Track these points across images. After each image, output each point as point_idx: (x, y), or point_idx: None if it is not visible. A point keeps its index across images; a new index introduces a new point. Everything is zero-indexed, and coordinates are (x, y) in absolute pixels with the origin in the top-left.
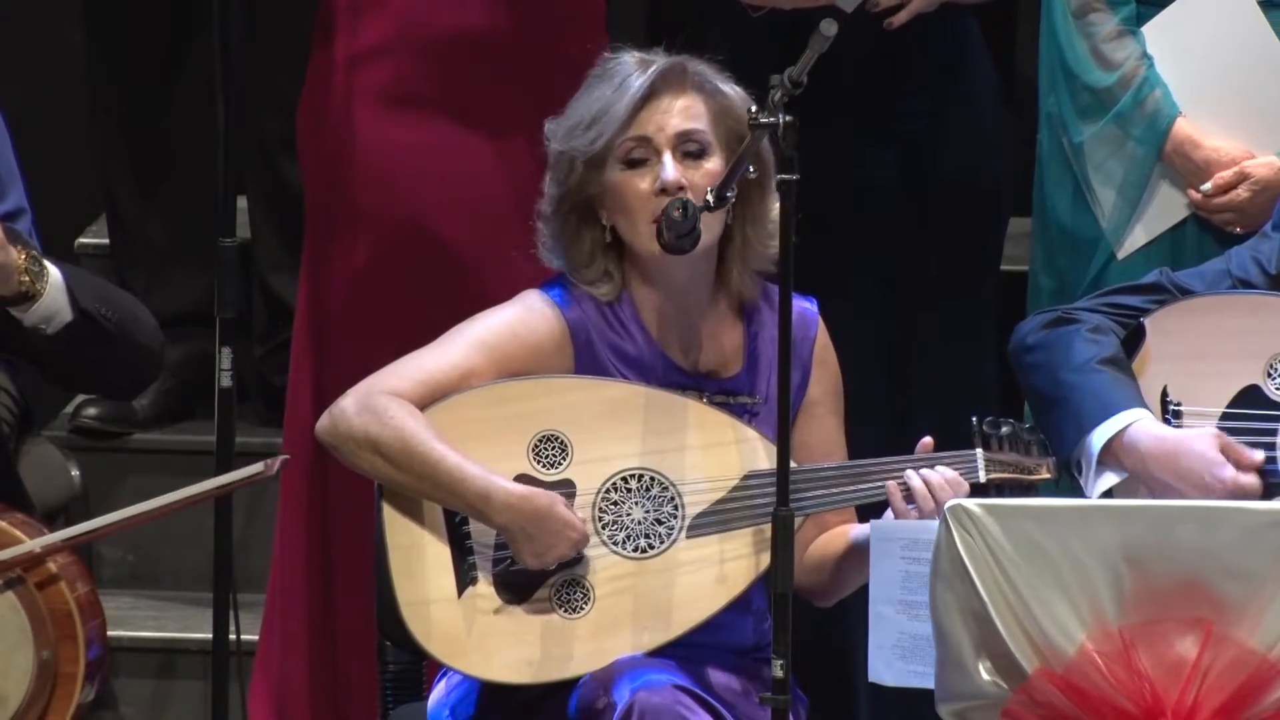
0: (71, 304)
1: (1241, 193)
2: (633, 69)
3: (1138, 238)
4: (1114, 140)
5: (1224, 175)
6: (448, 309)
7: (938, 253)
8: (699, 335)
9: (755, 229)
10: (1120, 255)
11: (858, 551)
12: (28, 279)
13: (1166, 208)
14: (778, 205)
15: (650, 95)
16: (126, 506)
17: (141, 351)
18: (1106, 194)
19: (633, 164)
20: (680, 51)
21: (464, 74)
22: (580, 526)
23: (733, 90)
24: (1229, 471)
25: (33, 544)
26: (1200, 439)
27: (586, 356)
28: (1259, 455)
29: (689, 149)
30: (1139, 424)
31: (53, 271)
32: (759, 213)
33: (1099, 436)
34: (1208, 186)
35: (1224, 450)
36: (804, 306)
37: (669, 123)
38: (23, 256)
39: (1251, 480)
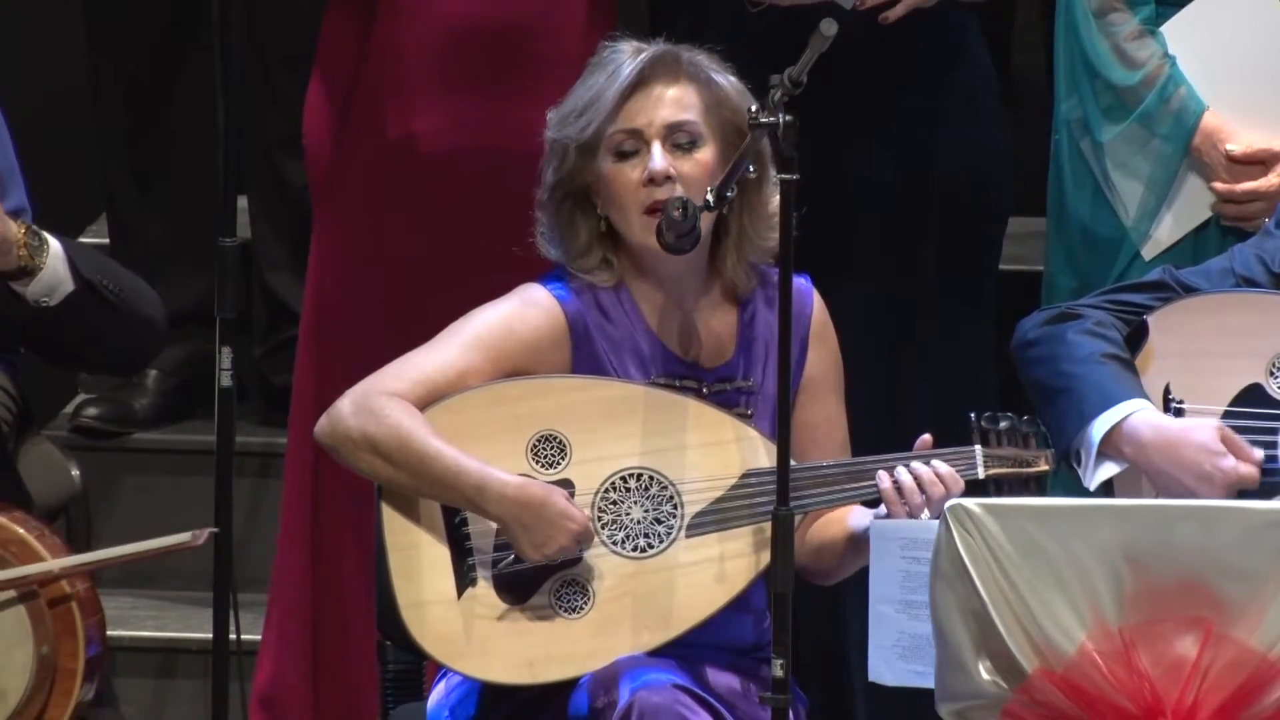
0: (73, 274)
1: (1273, 179)
2: (626, 57)
3: (1164, 235)
4: (1139, 139)
5: (1255, 145)
6: (455, 306)
7: (936, 252)
8: (695, 322)
9: (753, 220)
10: (1147, 255)
11: (859, 535)
12: (26, 252)
13: (1193, 204)
14: (776, 198)
15: (640, 83)
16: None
17: (144, 322)
18: (1131, 192)
19: (623, 155)
20: (679, 42)
21: (474, 71)
22: (581, 518)
23: (727, 81)
24: (1229, 461)
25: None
26: (1201, 429)
27: (585, 349)
28: (1259, 453)
29: (679, 140)
30: (1140, 414)
31: (52, 243)
32: (756, 204)
33: (1100, 426)
34: (1234, 147)
35: (1225, 442)
36: (798, 283)
37: (659, 114)
38: (22, 230)
39: (1251, 471)
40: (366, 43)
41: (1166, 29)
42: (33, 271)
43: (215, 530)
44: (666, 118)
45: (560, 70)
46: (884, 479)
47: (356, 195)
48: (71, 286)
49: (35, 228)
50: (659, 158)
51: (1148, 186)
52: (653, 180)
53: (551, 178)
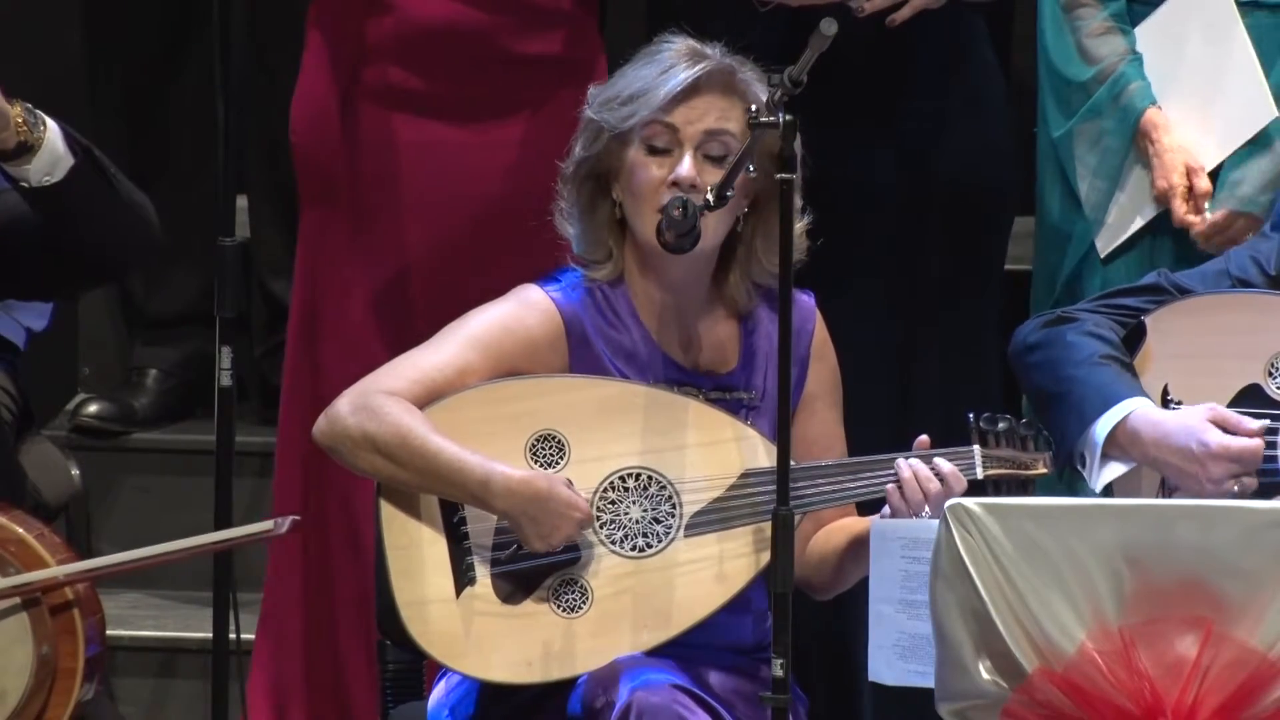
0: (70, 148)
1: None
2: (682, 58)
3: (1115, 230)
4: (1090, 133)
5: (1216, 218)
6: (444, 306)
7: (940, 253)
8: (695, 331)
9: (767, 245)
10: (1102, 250)
11: (859, 545)
12: (26, 128)
13: (1141, 197)
14: (794, 225)
15: (692, 90)
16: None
17: (139, 210)
18: (1085, 186)
19: (654, 150)
20: (735, 54)
21: (458, 71)
22: (583, 505)
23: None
24: (1214, 435)
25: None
26: (1191, 413)
27: (582, 351)
28: (1259, 423)
29: (712, 150)
30: (1138, 411)
31: (49, 121)
32: (771, 228)
33: (1102, 427)
34: (1204, 218)
35: (1218, 420)
36: (801, 300)
37: (700, 119)
38: (17, 107)
39: (1246, 443)
40: (351, 43)
41: (1140, 30)
42: (32, 148)
43: (297, 518)
44: (707, 124)
45: (547, 70)
46: (893, 489)
47: (343, 195)
48: (72, 160)
49: (31, 106)
50: (688, 164)
51: (1094, 179)
52: (676, 184)
53: (580, 154)
